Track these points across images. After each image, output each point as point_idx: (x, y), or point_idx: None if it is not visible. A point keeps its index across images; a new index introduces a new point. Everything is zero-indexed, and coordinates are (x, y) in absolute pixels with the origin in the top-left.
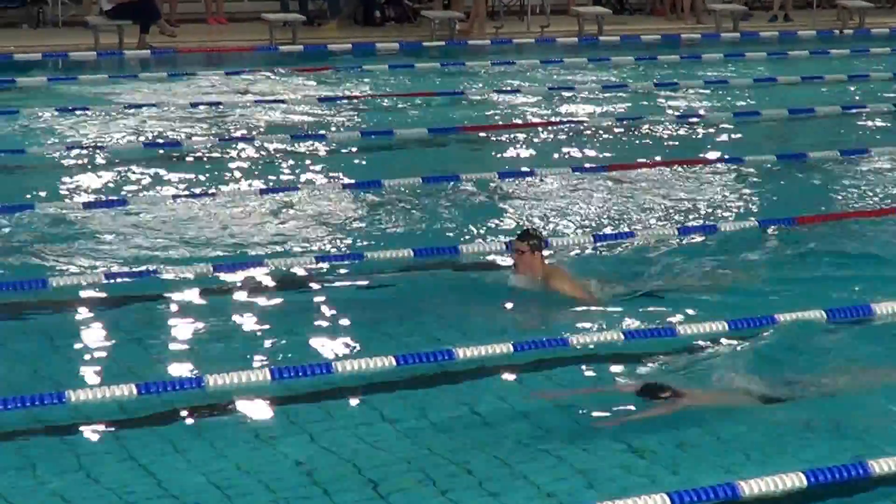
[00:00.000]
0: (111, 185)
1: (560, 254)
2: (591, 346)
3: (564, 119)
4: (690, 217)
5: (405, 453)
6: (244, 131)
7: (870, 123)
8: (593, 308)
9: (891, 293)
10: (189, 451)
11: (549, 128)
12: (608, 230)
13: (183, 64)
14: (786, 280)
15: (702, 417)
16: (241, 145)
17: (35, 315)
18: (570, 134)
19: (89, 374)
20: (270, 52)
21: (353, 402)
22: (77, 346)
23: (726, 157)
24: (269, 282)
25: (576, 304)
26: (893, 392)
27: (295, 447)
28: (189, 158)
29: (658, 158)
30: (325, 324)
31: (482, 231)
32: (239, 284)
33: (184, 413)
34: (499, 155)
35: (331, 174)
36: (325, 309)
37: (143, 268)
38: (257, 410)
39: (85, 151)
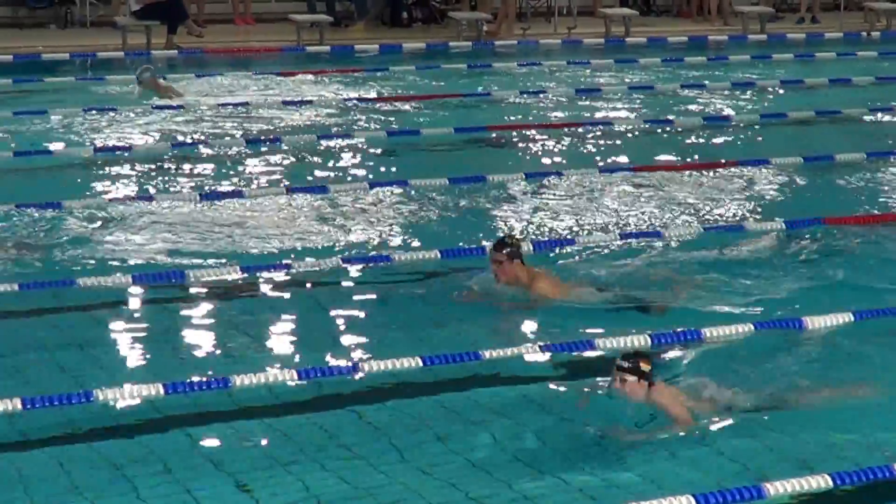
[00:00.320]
0: (139, 184)
1: (584, 254)
2: (616, 348)
3: (591, 120)
4: (716, 218)
5: (434, 455)
6: (271, 132)
7: None
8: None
9: None
10: (213, 452)
11: (576, 129)
12: (633, 230)
13: (210, 64)
14: (812, 282)
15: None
16: (267, 146)
17: (63, 314)
18: (597, 135)
19: (117, 373)
20: (297, 52)
21: (379, 402)
22: (104, 345)
23: (752, 158)
24: (295, 282)
25: (592, 306)
26: None
27: (321, 448)
28: (216, 158)
29: (684, 160)
30: (351, 324)
31: (508, 231)
32: (266, 284)
33: (210, 413)
34: (525, 156)
35: (357, 174)
36: (352, 309)
37: (171, 267)
38: (283, 410)
39: (112, 151)
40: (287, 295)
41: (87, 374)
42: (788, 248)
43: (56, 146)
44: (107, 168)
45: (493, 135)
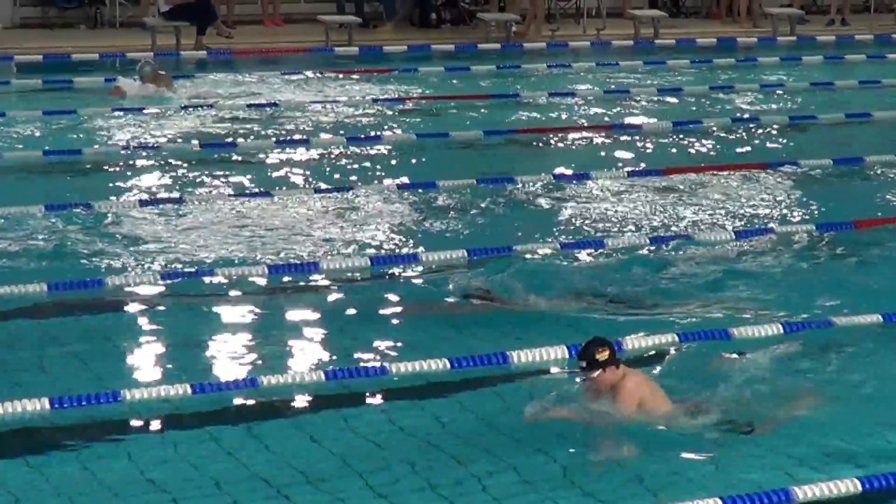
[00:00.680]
0: (167, 184)
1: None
2: (644, 347)
3: (620, 122)
4: (746, 221)
5: (459, 452)
6: (300, 132)
7: None
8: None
9: None
10: (241, 450)
11: (604, 131)
12: (662, 233)
13: (239, 65)
14: (842, 284)
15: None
16: (296, 146)
17: (91, 314)
18: (626, 137)
19: (144, 373)
20: (326, 53)
21: (406, 403)
22: (132, 345)
23: (782, 160)
24: (323, 283)
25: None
26: None
27: (348, 447)
28: (244, 159)
29: (713, 162)
30: (379, 325)
31: (536, 233)
32: (293, 285)
33: (238, 413)
34: (554, 157)
35: (386, 175)
36: (379, 310)
37: (199, 267)
38: (311, 411)
39: (141, 151)
40: (315, 295)
41: (114, 373)
42: (818, 251)
43: (85, 146)
44: (135, 168)
45: (522, 136)
